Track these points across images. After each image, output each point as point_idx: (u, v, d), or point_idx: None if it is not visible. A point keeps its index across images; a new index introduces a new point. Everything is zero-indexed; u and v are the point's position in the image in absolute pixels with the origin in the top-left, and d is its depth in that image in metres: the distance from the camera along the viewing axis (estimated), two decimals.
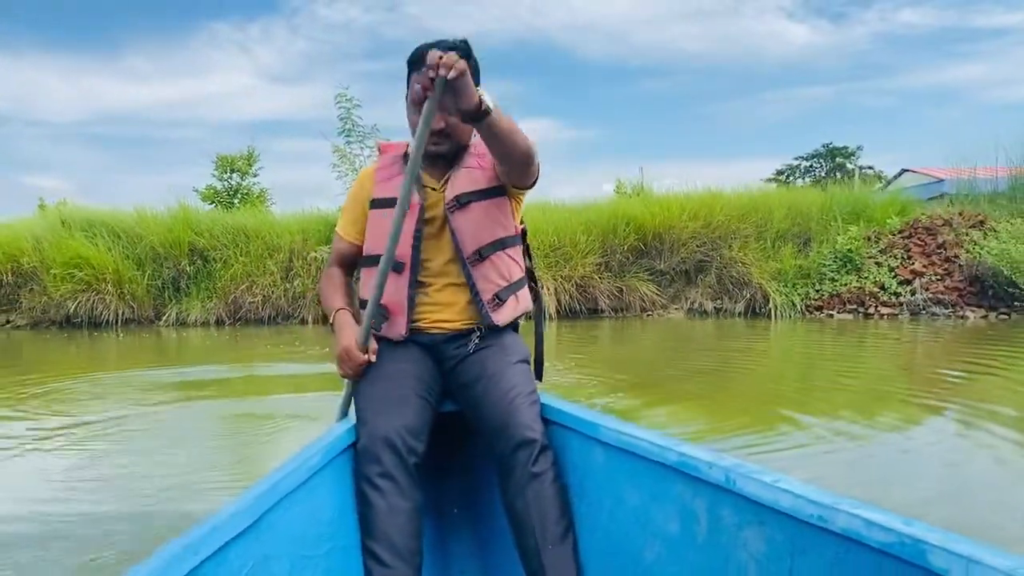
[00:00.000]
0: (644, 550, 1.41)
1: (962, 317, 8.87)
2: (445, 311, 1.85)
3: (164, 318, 10.39)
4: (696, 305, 10.62)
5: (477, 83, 1.59)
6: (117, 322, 10.23)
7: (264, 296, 10.27)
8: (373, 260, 1.82)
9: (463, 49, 1.50)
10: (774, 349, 7.41)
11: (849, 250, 9.93)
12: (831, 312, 9.56)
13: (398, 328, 1.82)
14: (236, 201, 14.63)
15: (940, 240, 9.69)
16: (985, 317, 8.83)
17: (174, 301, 10.47)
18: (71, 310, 10.24)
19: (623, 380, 5.27)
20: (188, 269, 10.52)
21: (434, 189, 1.86)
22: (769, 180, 46.50)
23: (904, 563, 0.90)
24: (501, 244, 1.86)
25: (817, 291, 9.85)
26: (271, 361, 6.75)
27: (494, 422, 1.66)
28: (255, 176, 15.88)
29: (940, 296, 9.13)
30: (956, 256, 9.38)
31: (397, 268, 1.82)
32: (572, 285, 10.27)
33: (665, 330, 8.94)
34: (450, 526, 1.94)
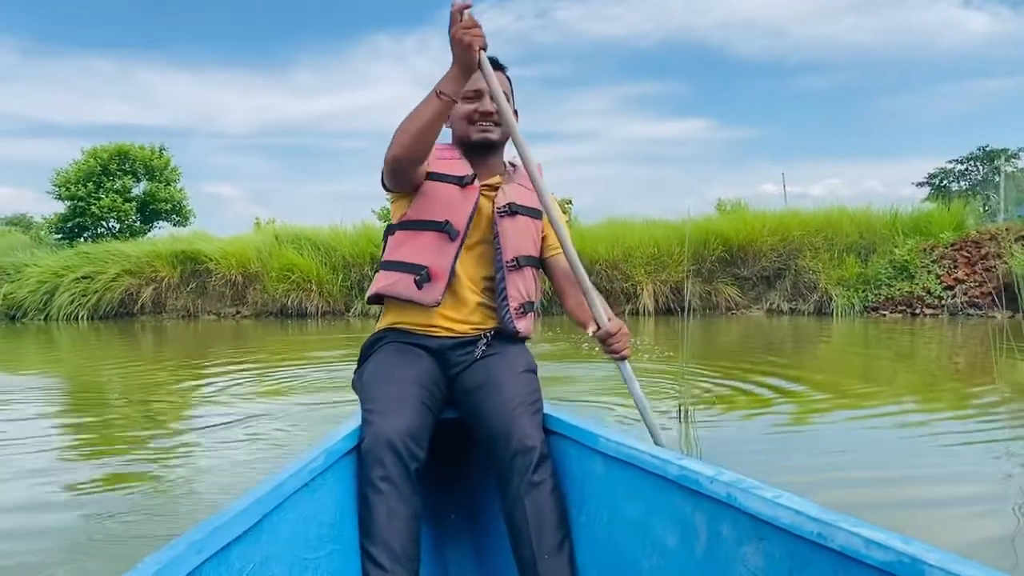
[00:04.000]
0: (642, 562, 1.41)
1: (992, 317, 10.65)
2: (460, 310, 1.90)
3: (352, 311, 13.59)
4: (774, 306, 12.75)
5: (512, 98, 1.95)
6: (317, 313, 13.52)
7: None
8: (417, 224, 1.89)
9: (506, 71, 1.90)
10: (837, 339, 9.58)
11: (906, 260, 11.80)
12: (884, 312, 11.50)
13: (435, 294, 1.84)
14: None
15: (984, 252, 11.43)
16: (1012, 317, 10.56)
17: (359, 298, 13.66)
18: (284, 304, 13.61)
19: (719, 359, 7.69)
20: (370, 274, 13.69)
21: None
22: (921, 184, 44.00)
23: None
24: (532, 261, 1.98)
25: (875, 294, 11.79)
26: None
27: (495, 429, 1.67)
28: None
29: (975, 300, 10.92)
30: (994, 266, 11.11)
31: (452, 233, 1.85)
32: (668, 288, 12.66)
33: (748, 326, 11.12)
34: (448, 533, 1.95)
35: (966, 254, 11.60)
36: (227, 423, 4.35)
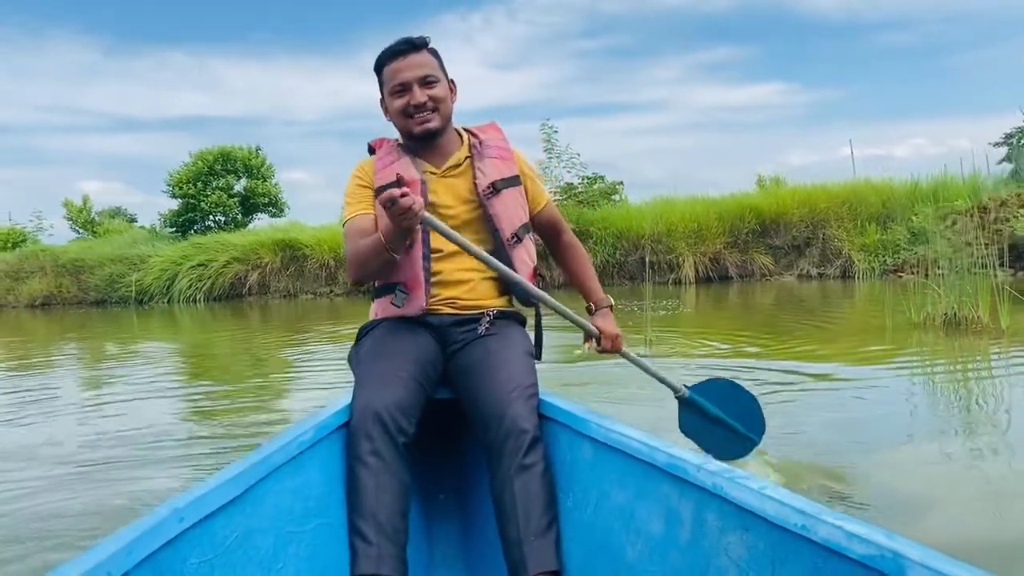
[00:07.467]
0: (626, 548, 1.41)
1: (994, 275, 11.99)
2: (459, 288, 1.90)
3: None
4: (804, 271, 14.23)
5: (444, 71, 1.92)
6: None
7: None
8: None
9: (427, 46, 1.87)
10: (862, 296, 11.11)
11: (922, 227, 13.15)
12: (900, 274, 12.91)
13: (417, 303, 1.85)
14: None
15: (992, 216, 12.72)
16: (1015, 275, 11.89)
17: None
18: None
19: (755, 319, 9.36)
20: None
21: (433, 173, 1.93)
22: (998, 144, 42.48)
23: None
24: (526, 228, 1.98)
25: (893, 258, 13.20)
26: None
27: (489, 410, 1.67)
28: None
29: (982, 260, 12.25)
30: (1000, 230, 12.41)
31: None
32: (707, 259, 14.24)
33: (781, 289, 12.61)
34: (437, 510, 1.96)
35: (976, 219, 12.90)
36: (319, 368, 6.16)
